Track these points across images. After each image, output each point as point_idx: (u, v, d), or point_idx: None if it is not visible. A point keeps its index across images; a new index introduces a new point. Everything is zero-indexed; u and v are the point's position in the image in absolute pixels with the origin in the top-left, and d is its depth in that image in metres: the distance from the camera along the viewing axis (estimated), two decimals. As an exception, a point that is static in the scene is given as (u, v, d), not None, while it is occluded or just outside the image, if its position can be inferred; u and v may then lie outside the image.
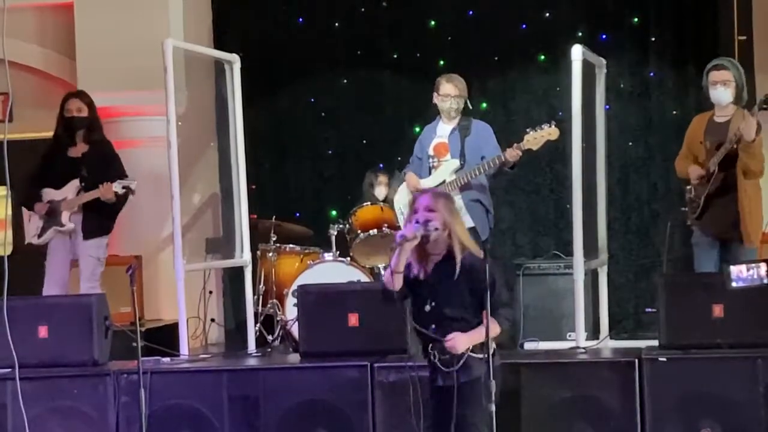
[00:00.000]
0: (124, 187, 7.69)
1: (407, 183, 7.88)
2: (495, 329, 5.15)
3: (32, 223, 7.95)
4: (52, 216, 7.85)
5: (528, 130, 7.51)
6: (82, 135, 7.97)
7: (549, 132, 7.46)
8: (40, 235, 7.89)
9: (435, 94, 7.78)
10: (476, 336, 5.15)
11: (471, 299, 5.17)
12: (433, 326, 5.23)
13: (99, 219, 7.89)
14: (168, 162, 7.48)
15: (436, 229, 5.15)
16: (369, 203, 8.66)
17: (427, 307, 5.23)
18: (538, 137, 7.46)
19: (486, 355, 5.12)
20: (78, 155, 7.95)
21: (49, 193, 7.89)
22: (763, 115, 6.87)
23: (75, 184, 7.85)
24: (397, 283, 5.22)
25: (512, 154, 7.46)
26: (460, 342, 5.14)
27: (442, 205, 5.23)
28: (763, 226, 7.09)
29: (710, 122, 7.14)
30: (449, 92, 7.71)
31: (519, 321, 7.78)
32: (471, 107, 7.90)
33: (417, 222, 5.16)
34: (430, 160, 7.80)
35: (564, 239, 8.80)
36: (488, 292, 5.10)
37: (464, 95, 7.76)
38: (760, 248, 7.26)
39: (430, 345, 5.25)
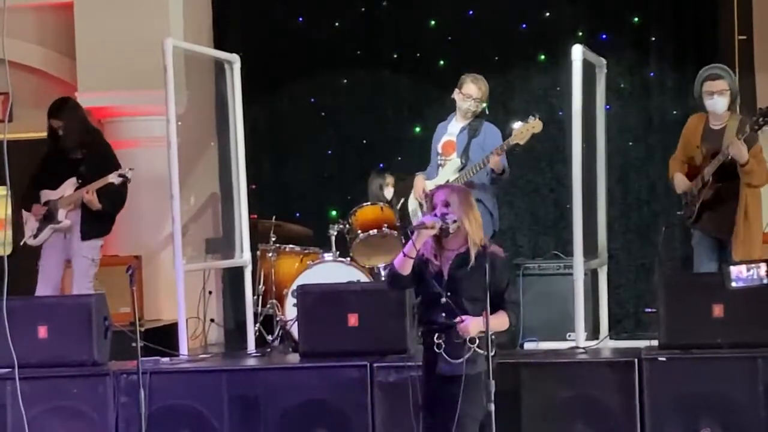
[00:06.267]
0: (120, 176, 7.63)
1: (414, 186, 7.87)
2: (504, 322, 5.32)
3: (28, 225, 7.94)
4: (48, 217, 7.83)
5: (513, 126, 7.48)
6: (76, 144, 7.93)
7: (533, 125, 7.40)
8: (35, 236, 7.88)
9: (456, 90, 7.70)
10: (485, 323, 5.20)
11: (482, 294, 5.21)
12: (443, 314, 5.31)
13: (98, 220, 7.85)
14: (168, 162, 7.48)
15: (454, 221, 5.27)
16: (369, 203, 8.65)
17: (443, 299, 5.29)
18: (524, 131, 7.41)
19: (489, 353, 5.19)
20: (77, 156, 7.93)
21: (46, 194, 7.88)
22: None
23: (72, 181, 7.82)
24: (407, 268, 5.32)
25: (497, 152, 7.41)
26: (472, 324, 5.23)
27: (457, 199, 5.36)
28: (762, 231, 7.09)
29: (706, 128, 7.12)
30: (471, 93, 7.63)
31: (519, 321, 7.78)
32: (487, 113, 7.82)
33: (435, 215, 5.30)
34: (439, 157, 7.78)
35: (564, 239, 8.79)
36: (488, 291, 5.17)
37: (485, 99, 7.69)
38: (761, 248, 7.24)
39: (436, 335, 5.32)
